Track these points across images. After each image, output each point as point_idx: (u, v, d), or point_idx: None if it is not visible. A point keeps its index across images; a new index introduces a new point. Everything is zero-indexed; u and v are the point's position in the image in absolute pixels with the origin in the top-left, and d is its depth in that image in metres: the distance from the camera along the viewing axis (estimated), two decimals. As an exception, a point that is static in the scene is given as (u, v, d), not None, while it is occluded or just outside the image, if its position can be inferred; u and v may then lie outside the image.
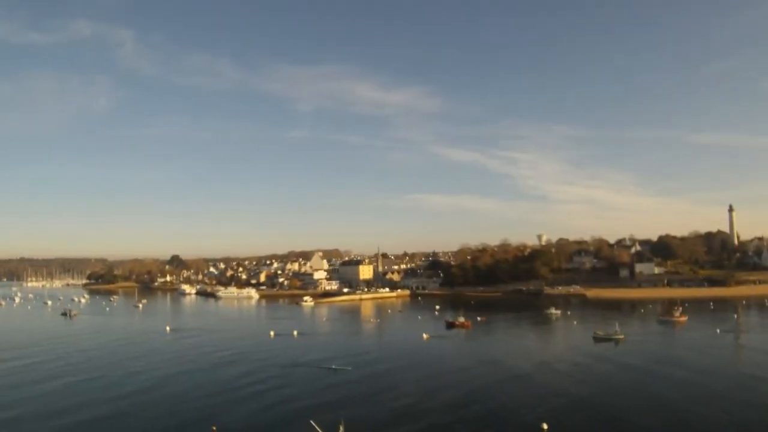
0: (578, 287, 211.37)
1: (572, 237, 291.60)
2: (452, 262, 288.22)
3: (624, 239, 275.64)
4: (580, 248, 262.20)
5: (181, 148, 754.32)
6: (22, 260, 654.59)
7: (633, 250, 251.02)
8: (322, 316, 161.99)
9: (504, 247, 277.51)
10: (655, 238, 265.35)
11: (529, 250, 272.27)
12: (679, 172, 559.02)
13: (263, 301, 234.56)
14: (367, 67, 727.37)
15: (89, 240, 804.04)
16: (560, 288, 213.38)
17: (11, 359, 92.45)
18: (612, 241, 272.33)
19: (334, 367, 76.72)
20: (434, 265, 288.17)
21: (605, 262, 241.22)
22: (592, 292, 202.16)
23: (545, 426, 47.90)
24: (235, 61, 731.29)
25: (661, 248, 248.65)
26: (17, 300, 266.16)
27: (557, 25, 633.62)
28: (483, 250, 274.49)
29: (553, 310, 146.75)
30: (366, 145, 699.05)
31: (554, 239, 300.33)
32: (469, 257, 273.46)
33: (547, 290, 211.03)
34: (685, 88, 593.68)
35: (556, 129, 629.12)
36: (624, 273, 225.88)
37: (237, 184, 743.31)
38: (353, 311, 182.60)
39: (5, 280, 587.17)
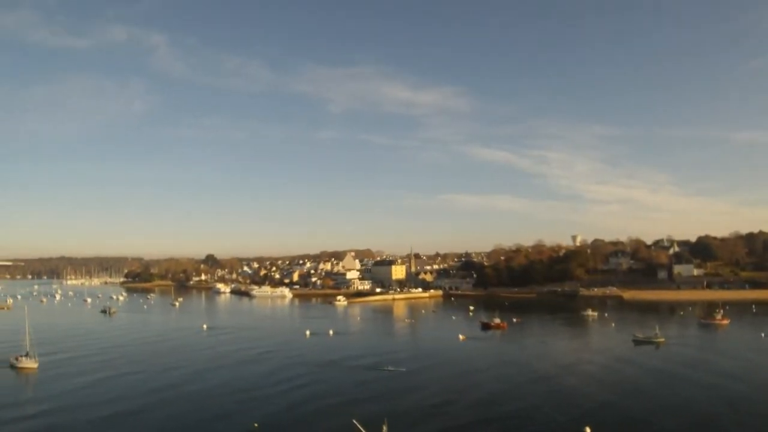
0: (615, 289, 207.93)
1: (607, 238, 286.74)
2: (485, 263, 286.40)
3: (662, 240, 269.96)
4: (616, 249, 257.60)
5: (214, 149, 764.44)
6: (62, 258, 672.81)
7: (671, 251, 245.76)
8: (355, 316, 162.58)
9: (538, 247, 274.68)
10: (693, 239, 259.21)
11: (563, 251, 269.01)
12: (719, 171, 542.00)
13: (296, 301, 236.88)
14: (397, 67, 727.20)
15: (126, 239, 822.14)
16: (596, 289, 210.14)
17: (56, 353, 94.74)
18: (649, 242, 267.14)
19: (390, 368, 75.86)
20: (467, 265, 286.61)
21: (642, 263, 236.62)
22: (629, 294, 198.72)
23: (588, 430, 47.15)
24: (267, 62, 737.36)
25: (701, 249, 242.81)
26: (58, 297, 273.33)
27: (590, 21, 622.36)
28: (517, 251, 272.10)
29: (589, 312, 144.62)
30: (397, 146, 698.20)
31: (589, 240, 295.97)
32: (502, 258, 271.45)
33: (583, 292, 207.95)
34: (725, 85, 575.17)
35: (589, 128, 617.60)
36: (662, 274, 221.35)
37: (269, 185, 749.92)
38: (386, 311, 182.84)
39: (45, 277, 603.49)
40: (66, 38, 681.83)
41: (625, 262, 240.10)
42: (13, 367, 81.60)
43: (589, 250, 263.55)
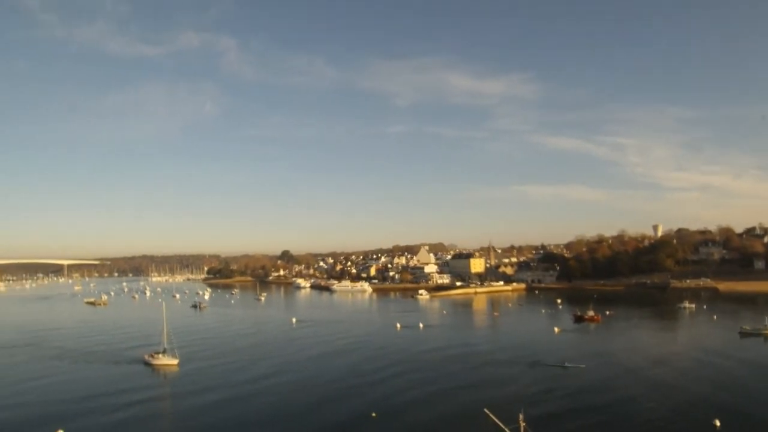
0: (708, 280, 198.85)
1: (688, 227, 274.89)
2: (566, 255, 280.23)
3: (754, 228, 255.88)
4: (705, 238, 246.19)
5: (283, 147, 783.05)
6: (144, 257, 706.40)
7: (766, 239, 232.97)
8: (440, 310, 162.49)
9: (621, 238, 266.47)
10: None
11: (647, 240, 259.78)
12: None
13: (374, 295, 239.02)
14: (462, 56, 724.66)
15: (203, 237, 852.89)
16: (688, 281, 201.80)
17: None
18: (738, 230, 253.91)
19: (566, 364, 72.42)
20: (548, 257, 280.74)
21: (735, 252, 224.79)
22: (725, 285, 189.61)
23: (717, 423, 46.11)
24: (332, 60, 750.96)
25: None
26: (148, 294, 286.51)
27: None
28: (599, 242, 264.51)
29: (686, 304, 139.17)
30: (465, 137, 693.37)
31: (668, 229, 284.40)
32: (585, 249, 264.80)
33: (674, 283, 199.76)
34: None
35: (667, 111, 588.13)
36: (759, 264, 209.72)
37: (338, 181, 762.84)
38: (470, 305, 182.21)
39: (131, 275, 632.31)
40: (140, 47, 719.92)
41: (716, 252, 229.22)
42: (148, 364, 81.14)
43: (674, 240, 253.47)
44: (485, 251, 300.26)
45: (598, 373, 68.77)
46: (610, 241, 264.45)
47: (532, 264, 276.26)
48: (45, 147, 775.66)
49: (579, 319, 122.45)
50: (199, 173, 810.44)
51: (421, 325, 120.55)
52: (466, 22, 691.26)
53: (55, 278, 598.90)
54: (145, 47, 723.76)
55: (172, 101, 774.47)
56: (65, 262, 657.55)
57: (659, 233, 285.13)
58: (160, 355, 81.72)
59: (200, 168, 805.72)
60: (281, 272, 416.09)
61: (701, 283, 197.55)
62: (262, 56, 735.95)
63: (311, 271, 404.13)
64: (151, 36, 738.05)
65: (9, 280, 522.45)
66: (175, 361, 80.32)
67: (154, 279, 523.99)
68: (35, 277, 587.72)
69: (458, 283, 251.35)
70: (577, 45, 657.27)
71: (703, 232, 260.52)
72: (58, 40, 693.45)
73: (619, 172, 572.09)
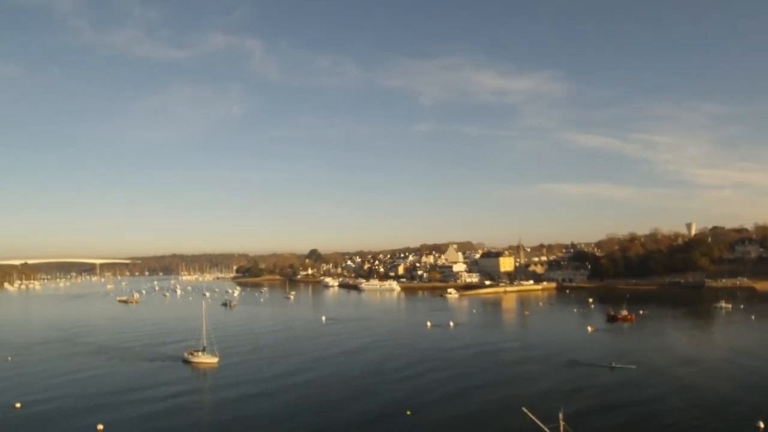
0: (745, 279, 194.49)
1: (723, 225, 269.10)
2: (597, 253, 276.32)
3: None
4: (741, 237, 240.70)
5: (309, 147, 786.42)
6: (174, 256, 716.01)
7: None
8: (469, 308, 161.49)
9: (654, 236, 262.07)
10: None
11: (680, 239, 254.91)
12: None
13: (403, 294, 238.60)
14: (488, 54, 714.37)
15: (232, 236, 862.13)
16: (724, 280, 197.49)
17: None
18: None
19: (614, 365, 70.44)
20: (579, 256, 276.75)
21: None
22: (763, 285, 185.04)
23: (761, 424, 44.86)
24: (357, 60, 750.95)
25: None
26: (179, 292, 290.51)
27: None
28: (631, 240, 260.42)
29: (723, 304, 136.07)
30: (492, 135, 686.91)
31: (702, 227, 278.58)
32: (616, 248, 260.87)
33: (710, 283, 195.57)
34: None
35: (700, 107, 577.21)
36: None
37: (364, 180, 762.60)
38: (499, 304, 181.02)
39: (161, 274, 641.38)
40: (168, 50, 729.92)
41: (753, 251, 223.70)
42: (187, 362, 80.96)
43: (709, 239, 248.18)
44: (514, 250, 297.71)
45: (641, 373, 67.26)
46: (642, 240, 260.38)
47: (562, 263, 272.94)
48: (78, 149, 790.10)
49: (612, 319, 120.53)
50: (227, 174, 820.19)
51: (451, 324, 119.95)
52: (491, 20, 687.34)
53: (88, 277, 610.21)
54: (173, 50, 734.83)
55: (199, 103, 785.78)
56: (97, 261, 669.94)
57: (693, 232, 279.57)
58: (200, 353, 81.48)
59: (227, 168, 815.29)
60: (309, 271, 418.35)
61: (738, 282, 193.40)
62: (287, 57, 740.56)
63: (339, 270, 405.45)
64: (179, 39, 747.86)
65: (44, 279, 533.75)
66: (215, 359, 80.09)
67: (184, 278, 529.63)
68: (69, 276, 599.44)
69: (487, 282, 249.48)
70: (607, 41, 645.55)
71: (739, 230, 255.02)
72: (88, 45, 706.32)
73: (650, 169, 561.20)
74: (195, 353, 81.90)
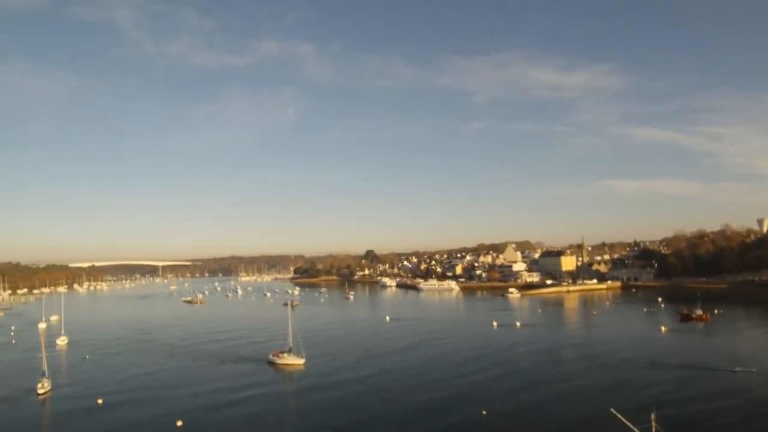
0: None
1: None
2: (664, 251, 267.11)
3: None
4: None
5: (362, 149, 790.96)
6: (233, 258, 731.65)
7: None
8: (534, 308, 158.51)
9: (723, 233, 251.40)
10: None
11: (753, 235, 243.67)
12: None
13: (461, 294, 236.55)
14: (542, 50, 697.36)
15: (289, 237, 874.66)
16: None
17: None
18: None
19: (737, 369, 67.08)
20: (645, 254, 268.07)
21: None
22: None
23: None
24: (409, 60, 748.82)
25: None
26: (240, 293, 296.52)
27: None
28: (700, 237, 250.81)
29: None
30: (548, 132, 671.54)
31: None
32: (684, 245, 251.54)
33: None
34: None
35: (764, 96, 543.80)
36: None
37: (419, 180, 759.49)
38: (562, 303, 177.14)
39: (221, 275, 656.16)
40: (224, 58, 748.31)
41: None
42: (272, 363, 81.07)
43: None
44: (576, 248, 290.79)
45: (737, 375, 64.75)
46: (711, 237, 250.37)
47: (627, 261, 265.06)
48: (141, 157, 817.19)
49: (686, 318, 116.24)
50: (282, 177, 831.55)
51: (517, 324, 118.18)
52: (542, 15, 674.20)
53: (151, 278, 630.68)
54: (229, 58, 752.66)
55: (255, 108, 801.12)
56: (160, 264, 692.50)
57: (765, 228, 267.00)
58: (286, 355, 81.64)
59: (283, 171, 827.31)
60: (366, 271, 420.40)
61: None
62: (339, 60, 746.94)
63: (395, 270, 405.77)
64: (234, 47, 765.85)
65: (110, 281, 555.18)
66: (302, 361, 79.99)
67: (243, 279, 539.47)
68: (133, 278, 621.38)
69: (549, 282, 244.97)
70: (665, 32, 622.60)
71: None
72: (148, 56, 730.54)
73: (714, 163, 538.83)
74: (281, 354, 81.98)
